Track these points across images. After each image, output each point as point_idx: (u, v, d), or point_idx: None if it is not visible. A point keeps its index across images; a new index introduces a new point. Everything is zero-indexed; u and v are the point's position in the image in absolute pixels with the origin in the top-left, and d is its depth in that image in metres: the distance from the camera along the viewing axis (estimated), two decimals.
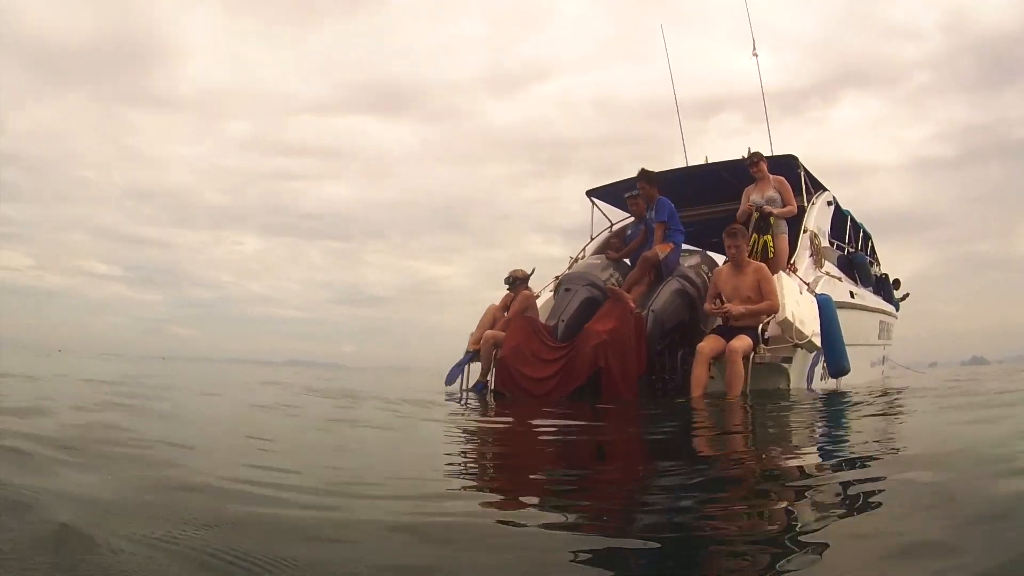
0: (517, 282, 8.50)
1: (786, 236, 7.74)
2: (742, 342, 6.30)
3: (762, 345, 6.49)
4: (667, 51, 11.42)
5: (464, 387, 8.29)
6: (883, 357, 11.39)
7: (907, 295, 13.12)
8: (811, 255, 8.08)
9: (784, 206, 7.78)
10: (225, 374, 11.98)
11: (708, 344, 6.40)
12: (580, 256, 9.66)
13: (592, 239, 10.02)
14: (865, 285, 10.19)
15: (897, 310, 12.53)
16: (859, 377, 9.00)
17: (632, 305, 7.12)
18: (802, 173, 8.70)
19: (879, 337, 10.76)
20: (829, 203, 9.31)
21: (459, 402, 6.81)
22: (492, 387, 7.65)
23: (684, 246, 9.06)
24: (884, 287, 11.93)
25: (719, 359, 6.38)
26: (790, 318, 6.50)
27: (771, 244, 7.59)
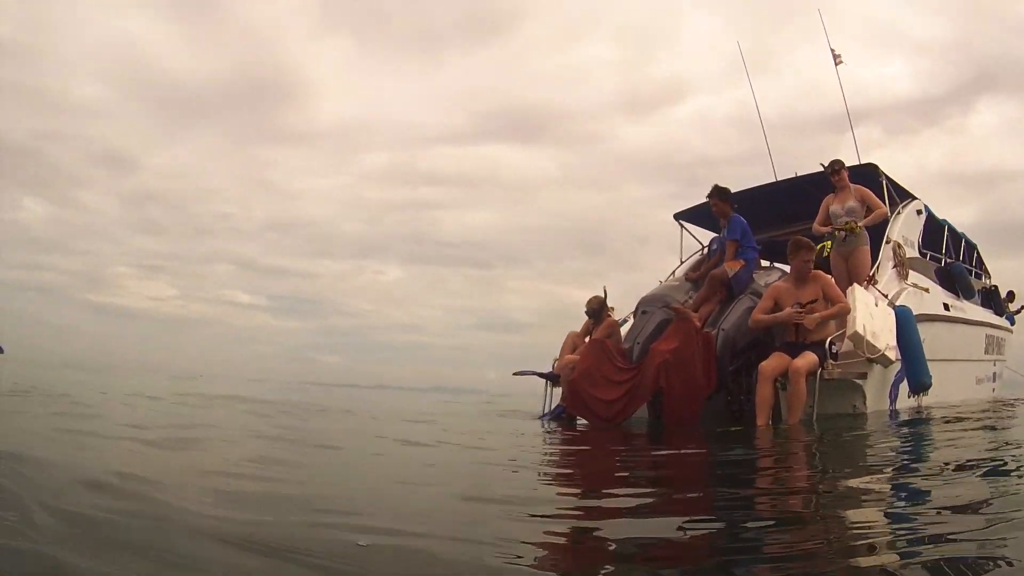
0: (597, 310, 8.51)
1: (868, 248, 7.48)
2: (806, 360, 6.11)
3: (830, 361, 6.27)
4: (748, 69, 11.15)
5: (545, 410, 8.42)
6: (993, 373, 10.69)
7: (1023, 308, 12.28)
8: (894, 266, 7.76)
9: (866, 216, 7.55)
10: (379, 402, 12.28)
11: (771, 363, 6.24)
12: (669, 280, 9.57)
13: (682, 262, 9.93)
14: (967, 297, 9.62)
15: (1012, 324, 11.77)
16: (959, 394, 8.52)
17: (697, 324, 7.04)
18: (884, 182, 8.36)
19: (986, 352, 10.12)
20: (919, 212, 8.92)
21: (541, 425, 6.89)
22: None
23: (764, 264, 8.89)
24: (994, 299, 11.23)
25: (785, 378, 6.22)
26: (861, 331, 6.25)
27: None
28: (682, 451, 5.14)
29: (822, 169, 7.95)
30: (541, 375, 8.58)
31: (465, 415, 8.75)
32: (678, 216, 10.11)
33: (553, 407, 8.34)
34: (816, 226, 7.82)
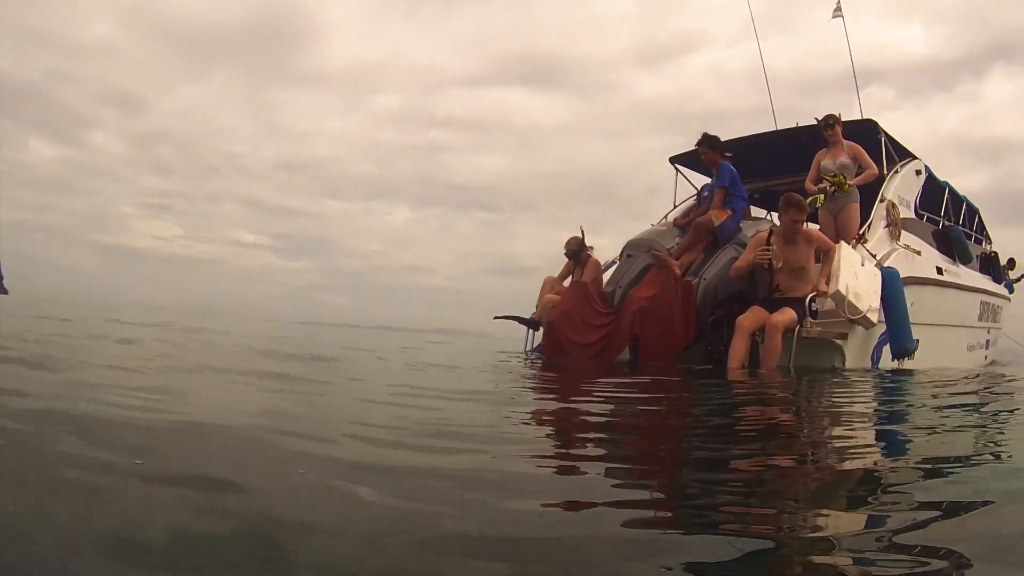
0: (576, 251, 8.35)
1: (857, 206, 7.27)
2: (784, 316, 5.99)
3: (809, 319, 6.14)
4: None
5: (527, 348, 8.38)
6: (987, 341, 10.54)
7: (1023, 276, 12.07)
8: (886, 226, 7.55)
9: (858, 175, 7.33)
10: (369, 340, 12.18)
11: (749, 318, 6.13)
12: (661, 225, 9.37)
13: (676, 206, 9.71)
14: (964, 262, 9.40)
15: (1011, 291, 11.57)
16: (948, 360, 8.38)
17: (677, 272, 6.90)
18: (883, 139, 8.09)
19: (980, 319, 9.95)
20: (918, 172, 8.66)
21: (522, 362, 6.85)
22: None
23: (756, 214, 8.69)
24: (993, 266, 11.02)
25: (763, 333, 6.10)
26: (843, 291, 6.09)
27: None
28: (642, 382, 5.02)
29: (817, 123, 7.71)
30: (521, 320, 8.46)
31: (449, 353, 8.64)
32: (673, 159, 9.83)
33: (533, 348, 8.28)
34: (807, 183, 7.61)
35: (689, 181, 9.78)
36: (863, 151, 7.44)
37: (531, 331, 8.42)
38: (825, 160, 7.49)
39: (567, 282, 8.33)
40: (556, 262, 8.61)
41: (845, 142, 7.49)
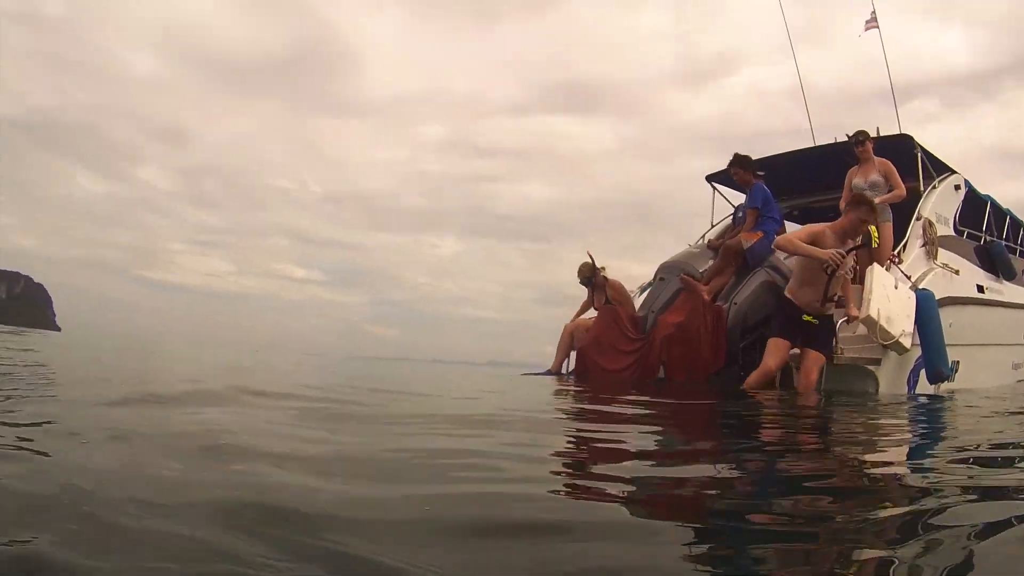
0: (589, 276, 8.31)
1: (890, 225, 7.13)
2: (815, 363, 5.78)
3: (840, 347, 6.01)
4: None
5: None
6: None
7: None
8: (923, 245, 7.39)
9: (889, 191, 7.19)
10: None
11: (775, 357, 5.89)
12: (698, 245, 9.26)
13: (712, 226, 9.62)
14: (1008, 278, 9.14)
15: None
16: (993, 380, 8.17)
17: (705, 297, 6.83)
18: (919, 154, 7.92)
19: None
20: (957, 187, 8.46)
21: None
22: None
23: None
24: None
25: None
26: (874, 315, 5.96)
27: (875, 234, 7.02)
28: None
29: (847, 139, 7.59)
30: (546, 373, 8.34)
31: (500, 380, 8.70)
32: (710, 178, 9.71)
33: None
34: (842, 204, 7.48)
35: (727, 199, 9.69)
36: (893, 169, 7.30)
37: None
38: (856, 178, 7.38)
39: (588, 313, 8.32)
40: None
41: (876, 159, 7.36)
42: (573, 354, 8.03)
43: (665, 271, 7.99)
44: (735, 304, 6.88)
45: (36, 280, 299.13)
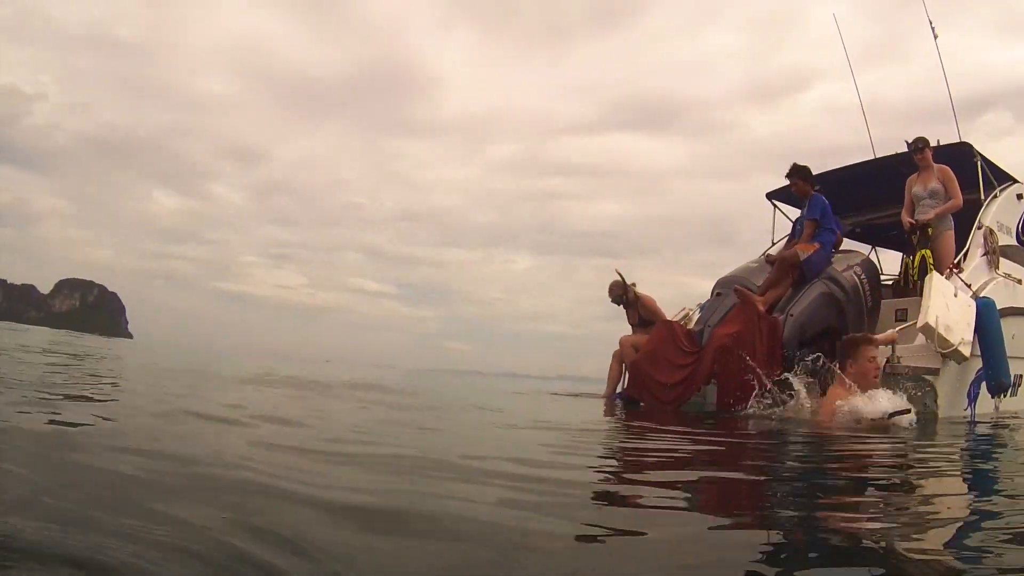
0: (620, 294, 8.49)
1: (951, 233, 7.09)
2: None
3: (897, 355, 5.98)
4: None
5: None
6: None
7: None
8: (984, 254, 7.29)
9: (947, 200, 7.14)
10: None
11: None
12: None
13: (773, 243, 9.58)
14: None
15: None
16: None
17: (760, 308, 6.83)
18: (979, 163, 7.83)
19: None
20: (1020, 196, 8.30)
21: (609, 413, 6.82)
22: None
23: (848, 245, 8.47)
24: None
25: None
26: (932, 323, 5.92)
27: (930, 259, 6.99)
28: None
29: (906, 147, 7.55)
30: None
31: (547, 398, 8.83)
32: (770, 195, 9.69)
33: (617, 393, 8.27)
34: (903, 214, 7.45)
35: (787, 217, 9.63)
36: (952, 176, 7.25)
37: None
38: (916, 187, 7.36)
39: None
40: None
41: (936, 166, 7.32)
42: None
43: (721, 286, 7.96)
44: (791, 316, 6.85)
45: (110, 289, 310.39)
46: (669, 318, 8.36)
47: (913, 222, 7.26)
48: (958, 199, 7.18)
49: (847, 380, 5.18)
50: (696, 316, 8.28)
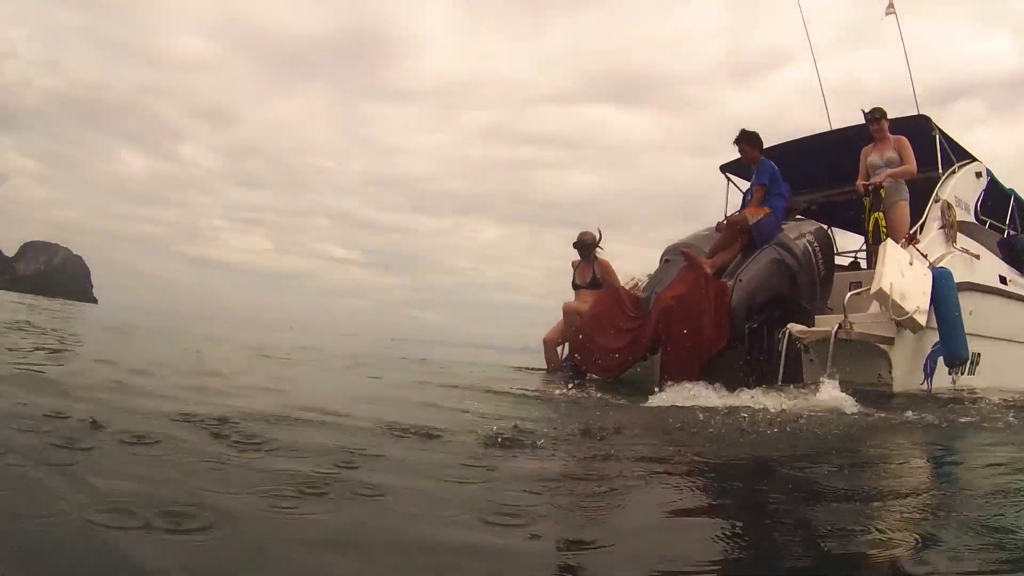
0: (588, 244, 8.15)
1: (906, 204, 6.86)
2: None
3: (849, 319, 5.63)
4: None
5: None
6: None
7: None
8: (941, 227, 7.02)
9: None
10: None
11: None
12: None
13: (727, 217, 9.25)
14: None
15: None
16: (1020, 380, 7.71)
17: (707, 270, 6.47)
18: (938, 136, 7.58)
19: None
20: (979, 175, 8.09)
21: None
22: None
23: (802, 217, 8.19)
24: None
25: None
26: (887, 289, 5.57)
27: (883, 223, 6.73)
28: None
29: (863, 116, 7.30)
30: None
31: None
32: (724, 168, 9.39)
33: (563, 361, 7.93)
34: (859, 181, 7.21)
35: (740, 189, 9.33)
36: (908, 145, 7.05)
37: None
38: (872, 156, 7.16)
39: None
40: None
41: (892, 137, 7.12)
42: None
43: (670, 253, 7.59)
44: (740, 281, 6.50)
45: (75, 252, 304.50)
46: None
47: (866, 184, 7.00)
48: (912, 165, 6.99)
49: None
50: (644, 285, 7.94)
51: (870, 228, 6.86)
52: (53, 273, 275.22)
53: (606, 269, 7.99)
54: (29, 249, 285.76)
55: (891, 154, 6.98)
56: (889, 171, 6.86)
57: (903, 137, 7.07)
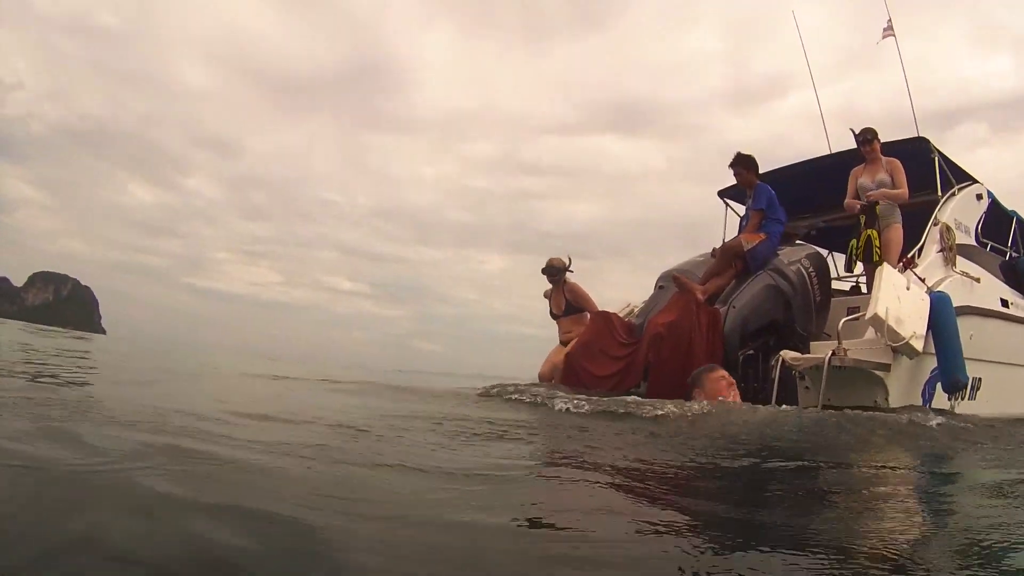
0: (559, 268, 8.04)
1: (900, 227, 6.68)
2: None
3: (843, 345, 5.47)
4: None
5: None
6: None
7: None
8: (940, 250, 6.87)
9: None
10: None
11: None
12: None
13: (724, 242, 9.13)
14: None
15: None
16: (1022, 406, 7.53)
17: (699, 296, 6.33)
18: (937, 159, 7.46)
19: None
20: (979, 197, 7.94)
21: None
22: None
23: (800, 242, 8.06)
24: None
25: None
26: (882, 314, 5.43)
27: (876, 240, 6.57)
28: None
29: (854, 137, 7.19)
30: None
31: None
32: (722, 193, 9.29)
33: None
34: (847, 200, 7.05)
35: (738, 215, 9.21)
36: (900, 168, 6.87)
37: None
38: (862, 177, 7.00)
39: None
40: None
41: (885, 158, 6.95)
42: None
43: (664, 279, 7.47)
44: (734, 307, 6.37)
45: (84, 283, 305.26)
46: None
47: (859, 203, 6.85)
48: (904, 191, 6.81)
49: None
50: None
51: (861, 244, 6.68)
52: (61, 303, 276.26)
53: (576, 292, 7.87)
54: (38, 279, 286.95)
55: (883, 176, 6.83)
56: (884, 191, 6.71)
57: (896, 160, 6.90)
